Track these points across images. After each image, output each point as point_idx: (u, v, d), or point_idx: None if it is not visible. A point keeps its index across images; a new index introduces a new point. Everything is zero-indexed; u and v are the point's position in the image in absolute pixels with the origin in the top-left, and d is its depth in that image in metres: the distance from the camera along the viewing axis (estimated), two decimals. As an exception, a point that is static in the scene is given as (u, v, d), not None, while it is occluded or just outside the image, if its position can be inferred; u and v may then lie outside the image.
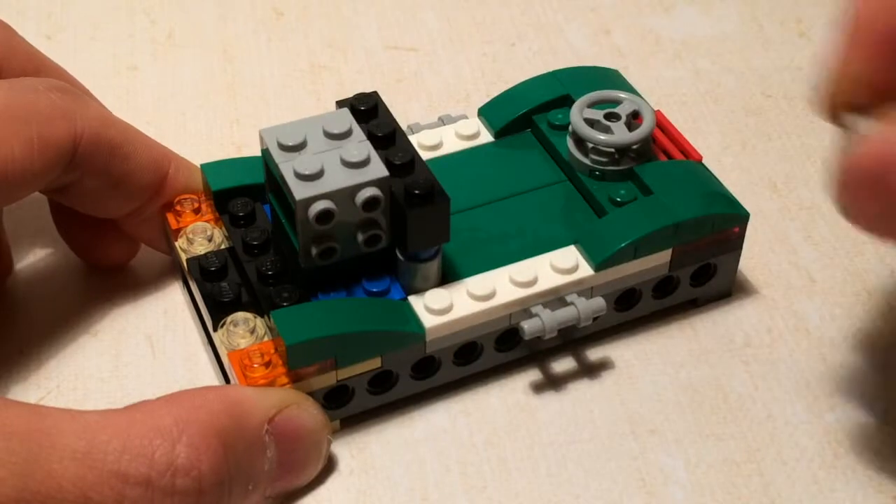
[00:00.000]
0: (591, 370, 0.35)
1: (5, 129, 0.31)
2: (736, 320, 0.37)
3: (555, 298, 0.34)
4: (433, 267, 0.33)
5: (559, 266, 0.34)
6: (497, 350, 0.34)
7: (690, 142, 0.37)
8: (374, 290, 0.33)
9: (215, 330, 0.33)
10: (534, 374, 0.35)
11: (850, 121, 0.27)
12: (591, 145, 0.36)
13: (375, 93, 0.35)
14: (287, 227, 0.33)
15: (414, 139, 0.38)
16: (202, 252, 0.35)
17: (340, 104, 0.35)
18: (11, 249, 0.38)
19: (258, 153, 0.34)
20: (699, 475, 0.32)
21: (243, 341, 0.32)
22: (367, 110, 0.34)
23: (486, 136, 0.39)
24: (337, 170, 0.31)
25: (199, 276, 0.34)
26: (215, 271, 0.34)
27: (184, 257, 0.35)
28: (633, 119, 0.37)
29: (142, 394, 0.31)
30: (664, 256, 0.35)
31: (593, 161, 0.36)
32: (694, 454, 0.33)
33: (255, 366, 0.31)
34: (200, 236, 0.35)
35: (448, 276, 0.33)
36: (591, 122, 0.36)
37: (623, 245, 0.34)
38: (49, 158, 0.32)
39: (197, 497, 0.28)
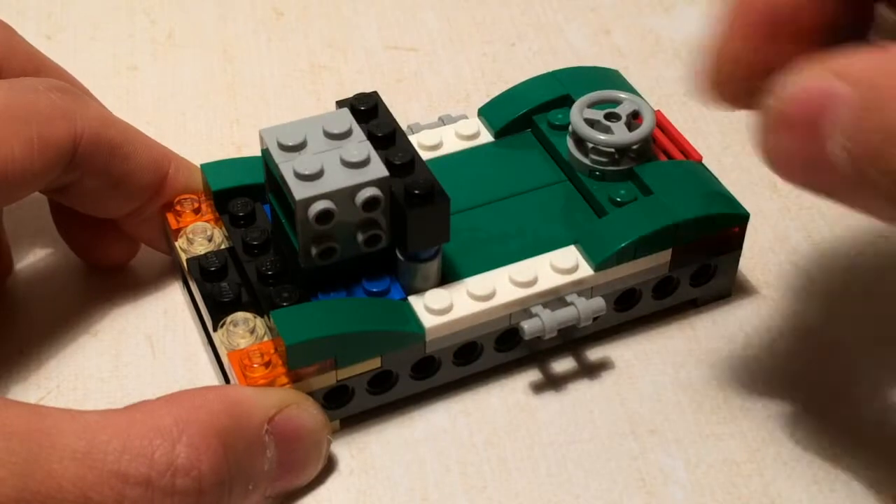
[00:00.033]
0: (591, 370, 0.35)
1: (5, 129, 0.31)
2: (736, 320, 0.37)
3: (555, 298, 0.34)
4: (433, 267, 0.33)
5: (559, 266, 0.34)
6: (497, 350, 0.34)
7: (690, 142, 0.37)
8: (374, 290, 0.33)
9: (215, 330, 0.33)
10: (534, 374, 0.35)
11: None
12: (591, 145, 0.36)
13: (375, 93, 0.35)
14: (287, 227, 0.33)
15: (414, 139, 0.38)
16: (202, 252, 0.35)
17: (340, 104, 0.35)
18: (11, 249, 0.38)
19: (258, 153, 0.34)
20: (699, 475, 0.32)
21: (243, 341, 0.32)
22: (367, 110, 0.34)
23: (486, 136, 0.39)
24: (337, 170, 0.31)
25: (199, 276, 0.34)
26: (215, 271, 0.34)
27: (184, 257, 0.35)
28: (633, 119, 0.37)
29: (142, 394, 0.31)
30: (664, 256, 0.35)
31: (593, 161, 0.36)
32: (694, 454, 0.33)
33: (255, 366, 0.31)
34: (200, 236, 0.35)
35: (448, 276, 0.33)
36: (591, 123, 0.36)
37: (623, 245, 0.34)
38: (49, 158, 0.32)
39: (197, 497, 0.28)
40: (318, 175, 0.31)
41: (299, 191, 0.31)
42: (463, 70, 0.46)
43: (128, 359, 0.36)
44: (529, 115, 0.38)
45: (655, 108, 0.38)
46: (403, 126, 0.35)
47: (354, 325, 0.32)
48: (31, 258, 0.39)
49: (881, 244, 0.39)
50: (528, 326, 0.33)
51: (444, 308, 0.32)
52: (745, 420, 0.34)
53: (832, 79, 0.24)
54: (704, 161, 0.37)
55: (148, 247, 0.38)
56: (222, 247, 0.35)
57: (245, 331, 0.32)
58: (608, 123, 0.36)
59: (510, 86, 0.40)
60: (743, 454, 0.33)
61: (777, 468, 0.33)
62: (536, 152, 0.38)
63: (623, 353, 0.36)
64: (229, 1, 0.49)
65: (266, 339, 0.32)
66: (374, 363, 0.32)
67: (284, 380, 0.31)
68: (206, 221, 0.36)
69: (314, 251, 0.32)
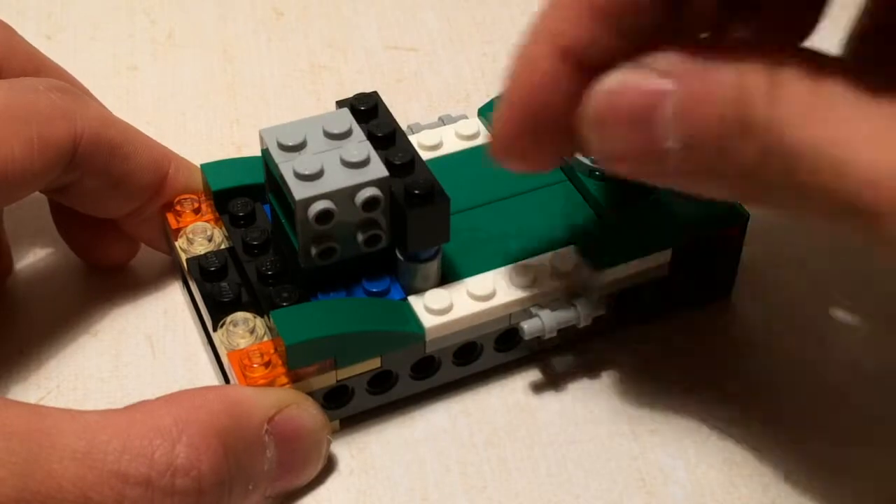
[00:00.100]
0: (591, 370, 0.35)
1: (5, 129, 0.31)
2: (736, 320, 0.37)
3: (554, 299, 0.34)
4: (433, 267, 0.33)
5: (559, 266, 0.34)
6: (497, 350, 0.34)
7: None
8: (374, 290, 0.33)
9: (215, 330, 0.33)
10: (534, 374, 0.35)
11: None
12: (591, 145, 0.36)
13: (375, 93, 0.35)
14: (287, 227, 0.33)
15: (414, 139, 0.38)
16: (202, 252, 0.35)
17: (340, 104, 0.35)
18: (11, 249, 0.38)
19: (258, 153, 0.34)
20: (699, 475, 0.32)
21: (243, 341, 0.32)
22: (367, 110, 0.34)
23: (486, 136, 0.39)
24: (337, 170, 0.31)
25: (199, 276, 0.34)
26: (215, 271, 0.34)
27: (184, 257, 0.35)
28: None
29: (142, 394, 0.31)
30: (664, 257, 0.35)
31: (593, 161, 0.36)
32: (694, 454, 0.33)
33: (255, 366, 0.31)
34: (200, 236, 0.35)
35: (448, 276, 0.33)
36: (591, 122, 0.36)
37: (623, 245, 0.34)
38: (49, 158, 0.32)
39: (197, 497, 0.28)
40: (318, 175, 0.31)
41: (299, 191, 0.31)
42: (463, 70, 0.46)
43: (128, 359, 0.36)
44: (529, 115, 0.38)
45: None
46: (403, 126, 0.35)
47: (354, 325, 0.32)
48: (31, 258, 0.39)
49: (881, 244, 0.39)
50: (528, 326, 0.33)
51: (443, 308, 0.32)
52: (746, 420, 0.34)
53: (657, 77, 0.25)
54: (704, 161, 0.37)
55: (148, 247, 0.38)
56: (222, 247, 0.35)
57: (245, 331, 0.32)
58: (608, 123, 0.36)
59: (510, 86, 0.40)
60: (743, 454, 0.33)
61: (777, 468, 0.33)
62: (536, 152, 0.38)
63: (623, 352, 0.36)
64: (229, 1, 0.49)
65: (266, 339, 0.32)
66: (374, 363, 0.32)
67: (284, 380, 0.31)
68: (206, 221, 0.36)
69: (314, 251, 0.32)
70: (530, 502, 0.32)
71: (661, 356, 0.36)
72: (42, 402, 0.34)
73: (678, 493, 0.32)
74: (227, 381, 0.34)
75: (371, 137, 0.33)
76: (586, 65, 0.27)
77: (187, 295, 0.37)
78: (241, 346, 0.32)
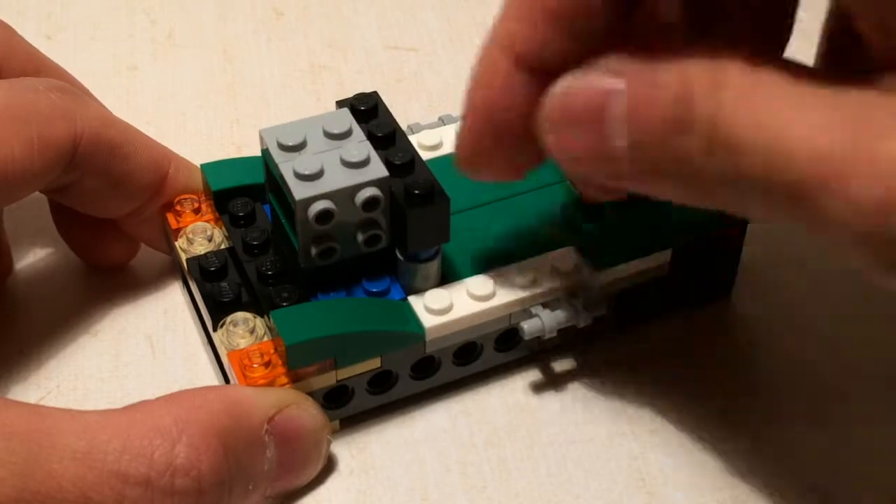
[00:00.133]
0: (591, 370, 0.35)
1: (5, 129, 0.31)
2: (736, 320, 0.37)
3: (554, 299, 0.34)
4: (433, 267, 0.33)
5: (559, 266, 0.34)
6: (497, 350, 0.34)
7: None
8: (374, 290, 0.33)
9: (215, 330, 0.33)
10: (534, 374, 0.35)
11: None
12: (591, 145, 0.36)
13: (375, 93, 0.35)
14: (287, 227, 0.33)
15: (414, 139, 0.38)
16: (202, 252, 0.35)
17: (340, 104, 0.35)
18: (11, 249, 0.38)
19: (258, 153, 0.34)
20: (699, 475, 0.32)
21: (243, 341, 0.32)
22: (367, 110, 0.34)
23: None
24: (337, 170, 0.31)
25: (199, 276, 0.34)
26: (215, 271, 0.34)
27: (184, 257, 0.35)
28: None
29: (142, 394, 0.31)
30: (664, 257, 0.35)
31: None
32: (694, 454, 0.33)
33: (255, 366, 0.31)
34: (200, 236, 0.35)
35: (448, 276, 0.33)
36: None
37: (623, 245, 0.34)
38: (49, 158, 0.32)
39: (197, 497, 0.28)
40: (318, 175, 0.31)
41: (299, 191, 0.31)
42: (463, 70, 0.46)
43: (128, 359, 0.36)
44: (529, 115, 0.38)
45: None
46: (403, 126, 0.35)
47: (354, 325, 0.32)
48: (31, 258, 0.39)
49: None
50: (528, 326, 0.33)
51: (443, 308, 0.32)
52: (746, 420, 0.34)
53: (608, 76, 0.26)
54: (704, 161, 0.37)
55: (148, 247, 0.38)
56: (222, 247, 0.35)
57: (245, 331, 0.32)
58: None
59: (510, 86, 0.40)
60: (744, 454, 0.33)
61: (778, 469, 0.33)
62: (536, 152, 0.38)
63: (623, 353, 0.36)
64: (229, 1, 0.49)
65: (266, 339, 0.32)
66: (374, 363, 0.32)
67: (284, 380, 0.31)
68: (206, 221, 0.36)
69: (314, 251, 0.32)
70: (530, 502, 0.32)
71: (661, 356, 0.36)
72: (42, 402, 0.34)
73: (678, 494, 0.32)
74: (227, 381, 0.34)
75: (371, 137, 0.33)
76: (541, 68, 0.27)
77: (187, 295, 0.37)
78: (241, 346, 0.32)
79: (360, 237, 0.32)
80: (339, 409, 0.33)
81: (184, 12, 0.49)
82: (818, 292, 0.37)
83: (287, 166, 0.31)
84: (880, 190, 0.21)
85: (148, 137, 0.36)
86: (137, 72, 0.46)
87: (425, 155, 0.37)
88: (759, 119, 0.23)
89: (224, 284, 0.34)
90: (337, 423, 0.33)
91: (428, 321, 0.32)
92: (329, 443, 0.32)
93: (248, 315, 0.33)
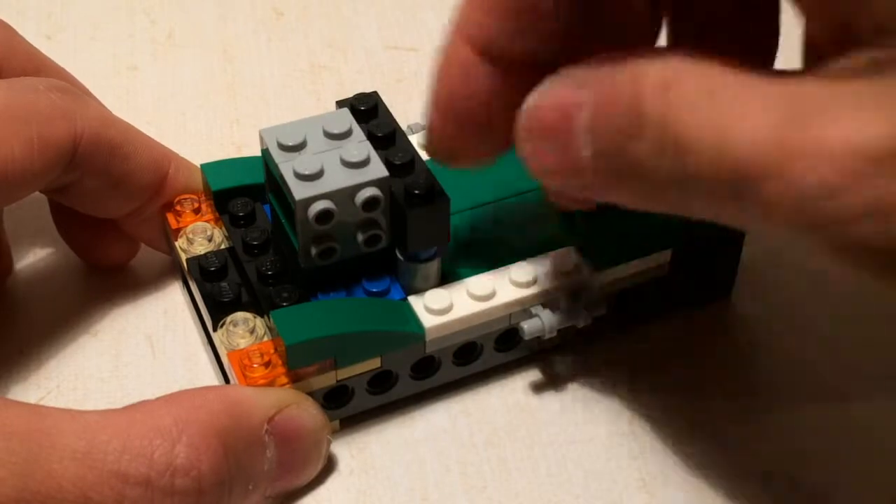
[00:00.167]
0: (591, 370, 0.35)
1: (5, 129, 0.31)
2: (736, 320, 0.37)
3: (555, 299, 0.33)
4: (433, 267, 0.33)
5: (559, 266, 0.34)
6: (497, 350, 0.34)
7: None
8: (374, 290, 0.33)
9: (215, 330, 0.33)
10: (534, 374, 0.35)
11: None
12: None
13: (375, 93, 0.35)
14: (287, 227, 0.33)
15: (414, 139, 0.38)
16: (202, 252, 0.35)
17: (340, 104, 0.35)
18: (11, 249, 0.38)
19: (258, 153, 0.34)
20: (699, 475, 0.32)
21: (243, 341, 0.32)
22: (367, 110, 0.34)
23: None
24: (337, 170, 0.31)
25: (199, 276, 0.34)
26: (215, 271, 0.34)
27: (184, 257, 0.35)
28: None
29: (142, 394, 0.31)
30: (664, 256, 0.35)
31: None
32: (694, 454, 0.33)
33: (255, 366, 0.31)
34: (200, 236, 0.35)
35: (448, 276, 0.33)
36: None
37: (623, 245, 0.34)
38: (49, 158, 0.32)
39: (197, 497, 0.28)
40: (318, 175, 0.31)
41: (299, 191, 0.31)
42: (463, 70, 0.46)
43: (128, 359, 0.36)
44: (529, 115, 0.38)
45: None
46: (403, 126, 0.35)
47: (354, 325, 0.32)
48: (31, 258, 0.39)
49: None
50: (528, 326, 0.33)
51: (444, 308, 0.32)
52: (746, 420, 0.34)
53: (574, 87, 0.26)
54: (704, 161, 0.37)
55: (148, 247, 0.38)
56: (222, 247, 0.35)
57: (245, 331, 0.32)
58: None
59: (510, 86, 0.40)
60: (744, 454, 0.33)
61: (777, 469, 0.33)
62: (536, 152, 0.38)
63: (623, 352, 0.36)
64: (229, 1, 0.49)
65: (266, 339, 0.32)
66: (374, 363, 0.32)
67: (284, 380, 0.31)
68: (206, 221, 0.36)
69: (314, 251, 0.32)
70: (530, 502, 0.32)
71: (661, 356, 0.36)
72: (42, 402, 0.34)
73: (678, 494, 0.32)
74: (227, 381, 0.34)
75: (371, 137, 0.33)
76: (504, 58, 0.27)
77: (187, 295, 0.37)
78: (241, 346, 0.32)
79: (360, 237, 0.32)
80: (339, 409, 0.33)
81: (184, 12, 0.49)
82: (818, 292, 0.37)
83: (287, 166, 0.31)
84: (818, 173, 0.21)
85: (148, 137, 0.36)
86: (137, 72, 0.46)
87: (425, 155, 0.37)
88: (705, 117, 0.23)
89: (224, 284, 0.34)
90: (337, 423, 0.33)
91: (428, 321, 0.32)
92: (329, 443, 0.32)
93: (248, 315, 0.33)
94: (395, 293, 0.33)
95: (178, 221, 0.36)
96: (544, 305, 0.33)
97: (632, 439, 0.33)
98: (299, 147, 0.32)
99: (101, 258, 0.38)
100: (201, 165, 0.36)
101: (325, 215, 0.31)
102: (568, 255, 0.34)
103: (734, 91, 0.23)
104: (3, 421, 0.27)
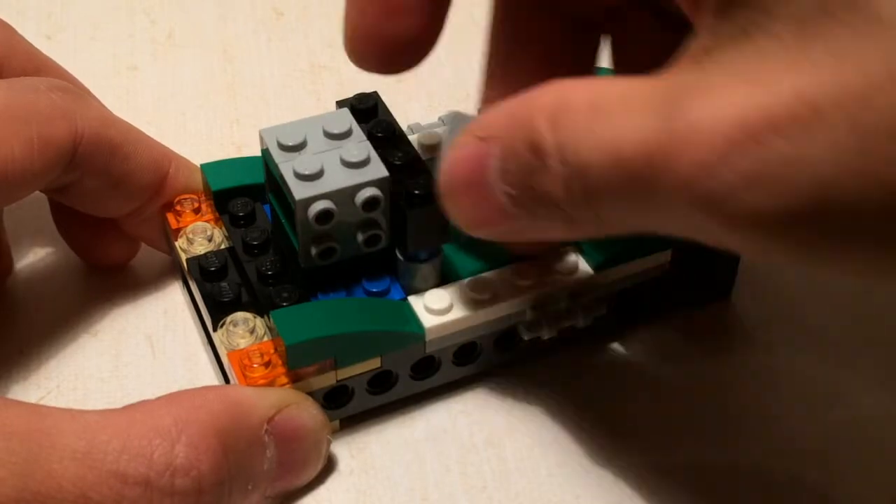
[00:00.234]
0: (591, 370, 0.35)
1: (5, 129, 0.31)
2: (736, 320, 0.37)
3: (555, 299, 0.33)
4: (433, 267, 0.33)
5: (559, 266, 0.34)
6: (497, 350, 0.34)
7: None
8: (374, 290, 0.33)
9: (215, 330, 0.33)
10: (534, 375, 0.35)
11: None
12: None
13: (375, 93, 0.35)
14: (287, 227, 0.33)
15: (414, 139, 0.38)
16: (202, 252, 0.35)
17: (340, 104, 0.35)
18: (11, 249, 0.38)
19: (258, 153, 0.34)
20: (699, 475, 0.32)
21: (243, 341, 0.32)
22: (367, 110, 0.34)
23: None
24: (337, 170, 0.31)
25: (199, 276, 0.34)
26: (215, 271, 0.34)
27: (184, 257, 0.35)
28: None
29: (142, 394, 0.31)
30: (664, 256, 0.35)
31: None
32: (694, 454, 0.33)
33: (255, 366, 0.31)
34: (200, 236, 0.35)
35: (448, 276, 0.33)
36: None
37: (623, 245, 0.34)
38: (49, 158, 0.32)
39: (196, 497, 0.28)
40: (317, 175, 0.31)
41: (299, 191, 0.31)
42: (463, 70, 0.46)
43: (128, 359, 0.36)
44: (529, 115, 0.38)
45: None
46: (403, 126, 0.35)
47: (354, 325, 0.32)
48: (31, 258, 0.39)
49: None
50: (527, 327, 0.33)
51: (443, 308, 0.32)
52: (746, 420, 0.34)
53: (478, 142, 0.26)
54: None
55: (148, 247, 0.38)
56: (222, 247, 0.35)
57: (245, 331, 0.32)
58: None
59: (510, 86, 0.40)
60: (744, 454, 0.33)
61: (778, 468, 0.33)
62: (536, 152, 0.38)
63: (623, 353, 0.36)
64: (229, 1, 0.49)
65: (266, 339, 0.32)
66: (374, 363, 0.32)
67: (284, 380, 0.31)
68: (206, 221, 0.36)
69: (314, 251, 0.32)
70: (530, 502, 0.32)
71: (662, 356, 0.36)
72: (42, 402, 0.34)
73: (680, 494, 0.32)
74: (227, 381, 0.34)
75: (371, 137, 0.33)
76: None
77: (187, 295, 0.37)
78: (241, 346, 0.32)
79: (359, 237, 0.32)
80: (339, 409, 0.33)
81: (184, 12, 0.49)
82: (818, 292, 0.37)
83: (287, 166, 0.31)
84: (696, 155, 0.21)
85: (148, 137, 0.36)
86: (137, 72, 0.46)
87: (425, 155, 0.37)
88: (595, 133, 0.23)
89: (224, 284, 0.34)
90: (337, 423, 0.33)
91: (428, 321, 0.32)
92: (329, 443, 0.32)
93: (248, 315, 0.33)
94: (395, 293, 0.33)
95: (178, 221, 0.36)
96: (544, 306, 0.33)
97: (632, 439, 0.33)
98: (299, 147, 0.32)
99: (101, 258, 0.38)
100: (201, 165, 0.36)
101: (325, 215, 0.31)
102: (568, 255, 0.34)
103: (616, 99, 0.23)
104: (3, 421, 0.27)
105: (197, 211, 0.36)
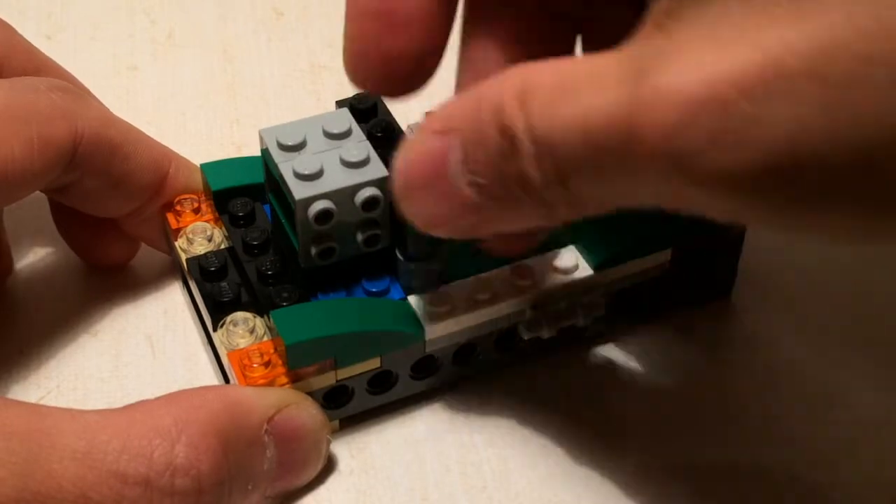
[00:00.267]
0: (591, 370, 0.35)
1: (5, 129, 0.31)
2: (736, 320, 0.37)
3: (554, 298, 0.33)
4: (433, 267, 0.33)
5: (559, 266, 0.34)
6: (497, 350, 0.34)
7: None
8: (374, 290, 0.33)
9: (215, 330, 0.33)
10: (534, 375, 0.35)
11: None
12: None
13: (375, 93, 0.35)
14: (287, 227, 0.33)
15: (414, 139, 0.38)
16: (202, 252, 0.35)
17: (340, 104, 0.35)
18: (11, 249, 0.38)
19: (258, 153, 0.34)
20: (699, 475, 0.32)
21: (243, 341, 0.32)
22: (367, 110, 0.34)
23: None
24: (336, 170, 0.31)
25: (199, 275, 0.34)
26: (215, 271, 0.34)
27: (184, 257, 0.35)
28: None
29: (142, 394, 0.31)
30: (664, 256, 0.35)
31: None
32: (694, 455, 0.33)
33: (255, 366, 0.31)
34: (200, 236, 0.35)
35: (448, 276, 0.33)
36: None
37: (623, 245, 0.34)
38: (49, 158, 0.32)
39: (196, 497, 0.28)
40: (317, 175, 0.31)
41: (299, 191, 0.31)
42: (463, 70, 0.46)
43: (128, 359, 0.36)
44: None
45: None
46: (403, 126, 0.35)
47: (354, 325, 0.32)
48: (31, 258, 0.39)
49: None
50: (527, 326, 0.33)
51: (443, 308, 0.32)
52: (746, 420, 0.34)
53: (434, 137, 0.26)
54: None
55: (148, 247, 0.38)
56: (222, 247, 0.35)
57: (245, 331, 0.32)
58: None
59: (510, 86, 0.40)
60: (743, 455, 0.33)
61: (778, 468, 0.33)
62: (536, 152, 0.38)
63: (623, 353, 0.36)
64: (229, 1, 0.49)
65: (266, 338, 0.32)
66: (374, 363, 0.32)
67: (284, 380, 0.31)
68: (206, 221, 0.36)
69: (314, 251, 0.32)
70: (530, 502, 0.32)
71: (662, 356, 0.36)
72: (42, 402, 0.34)
73: (680, 493, 0.32)
74: (227, 381, 0.34)
75: (371, 137, 0.33)
76: None
77: (187, 295, 0.37)
78: (241, 346, 0.32)
79: (359, 237, 0.32)
80: (339, 409, 0.33)
81: (184, 12, 0.49)
82: (818, 292, 0.37)
83: (287, 166, 0.31)
84: (662, 118, 0.21)
85: (148, 137, 0.36)
86: (137, 72, 0.46)
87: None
88: (564, 111, 0.23)
89: (224, 284, 0.34)
90: (337, 423, 0.33)
91: (428, 321, 0.32)
92: (329, 443, 0.32)
93: (248, 315, 0.33)
94: (395, 293, 0.33)
95: (178, 221, 0.36)
96: (544, 305, 0.33)
97: (632, 439, 0.33)
98: (299, 147, 0.32)
99: (101, 258, 0.38)
100: (201, 165, 0.36)
101: (324, 215, 0.31)
102: (568, 254, 0.34)
103: (582, 76, 0.23)
104: (3, 421, 0.27)
105: (197, 211, 0.36)
